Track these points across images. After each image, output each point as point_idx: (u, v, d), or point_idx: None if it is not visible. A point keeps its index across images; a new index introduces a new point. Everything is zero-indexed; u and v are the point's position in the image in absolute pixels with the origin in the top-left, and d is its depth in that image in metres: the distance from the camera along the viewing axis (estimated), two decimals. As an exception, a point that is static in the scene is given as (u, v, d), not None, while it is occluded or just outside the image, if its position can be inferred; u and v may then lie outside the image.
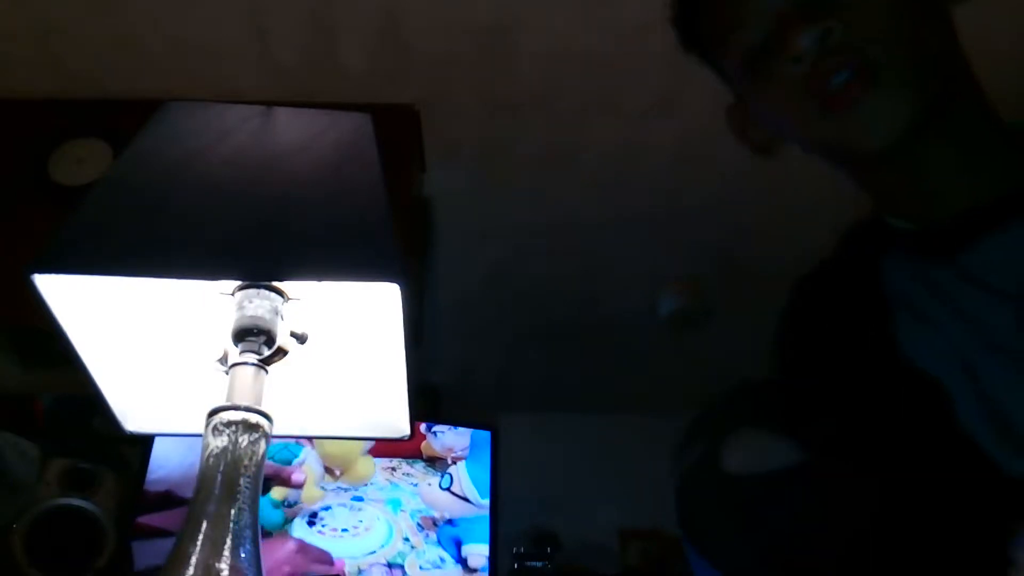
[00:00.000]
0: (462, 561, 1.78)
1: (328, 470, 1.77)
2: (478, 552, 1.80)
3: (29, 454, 1.61)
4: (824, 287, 0.74)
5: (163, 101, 0.76)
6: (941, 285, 0.62)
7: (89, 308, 0.67)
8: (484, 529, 1.83)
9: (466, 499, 1.83)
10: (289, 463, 1.74)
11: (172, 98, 0.78)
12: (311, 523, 1.69)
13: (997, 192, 0.62)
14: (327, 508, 1.73)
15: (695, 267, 2.42)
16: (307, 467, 1.75)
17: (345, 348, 0.74)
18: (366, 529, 1.72)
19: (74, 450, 1.63)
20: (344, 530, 1.70)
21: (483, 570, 1.77)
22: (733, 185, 2.12)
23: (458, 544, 1.79)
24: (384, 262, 0.64)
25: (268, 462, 0.68)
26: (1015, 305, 0.57)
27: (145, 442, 1.69)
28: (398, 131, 1.92)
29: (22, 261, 0.60)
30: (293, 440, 1.75)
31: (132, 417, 0.76)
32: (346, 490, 1.75)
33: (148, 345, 0.74)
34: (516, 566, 2.22)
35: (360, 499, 1.75)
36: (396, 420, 0.75)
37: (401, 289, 0.62)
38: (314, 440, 1.75)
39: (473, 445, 1.87)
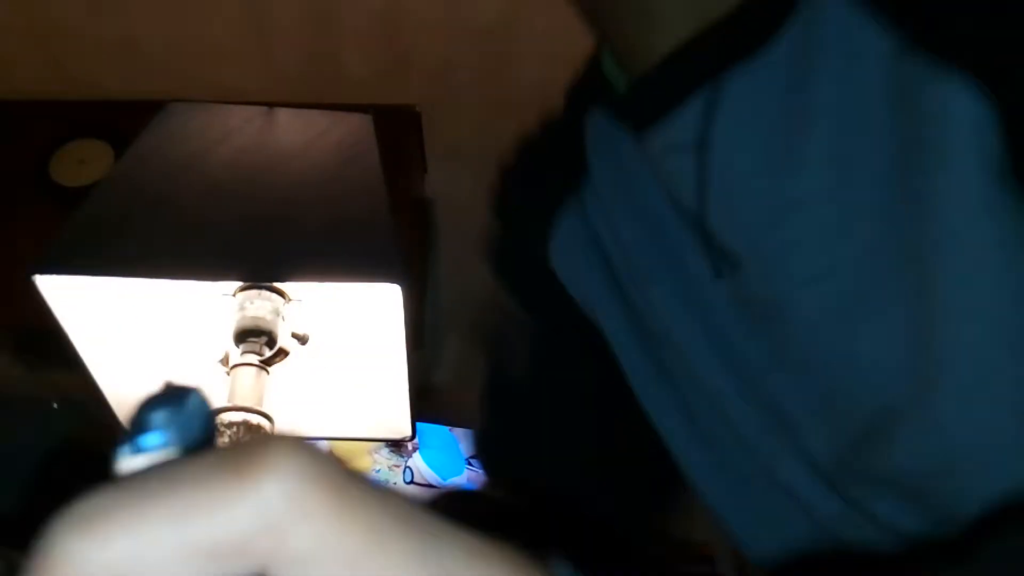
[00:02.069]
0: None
1: (332, 453, 1.80)
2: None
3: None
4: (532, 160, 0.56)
5: (165, 102, 0.76)
6: (626, 167, 0.45)
7: (91, 309, 0.67)
8: None
9: (430, 485, 1.85)
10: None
11: (173, 99, 0.78)
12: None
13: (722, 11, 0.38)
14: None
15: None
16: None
17: (346, 349, 0.74)
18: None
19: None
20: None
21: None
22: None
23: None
24: (385, 263, 0.64)
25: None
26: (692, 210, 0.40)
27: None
28: (399, 132, 1.92)
29: (23, 262, 0.60)
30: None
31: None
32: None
33: (149, 346, 0.74)
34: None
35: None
36: (398, 421, 0.75)
37: (402, 290, 0.62)
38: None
39: (420, 434, 1.90)
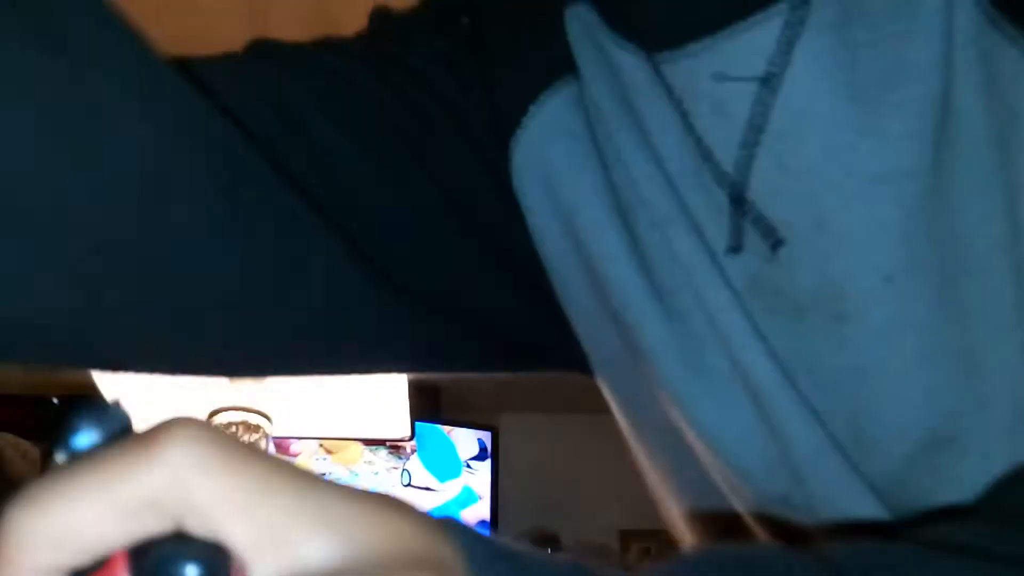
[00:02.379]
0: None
1: (323, 447, 1.80)
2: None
3: (30, 455, 1.61)
4: None
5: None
6: (628, 90, 0.34)
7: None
8: (456, 513, 1.84)
9: (428, 488, 1.85)
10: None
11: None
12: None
13: None
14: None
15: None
16: (304, 442, 1.78)
17: (345, 348, 0.74)
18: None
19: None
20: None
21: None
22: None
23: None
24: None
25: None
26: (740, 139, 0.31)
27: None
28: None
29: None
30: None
31: (132, 418, 0.76)
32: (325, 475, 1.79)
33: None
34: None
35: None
36: (396, 421, 0.76)
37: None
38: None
39: (418, 436, 1.90)
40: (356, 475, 1.80)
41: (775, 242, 0.31)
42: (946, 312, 0.29)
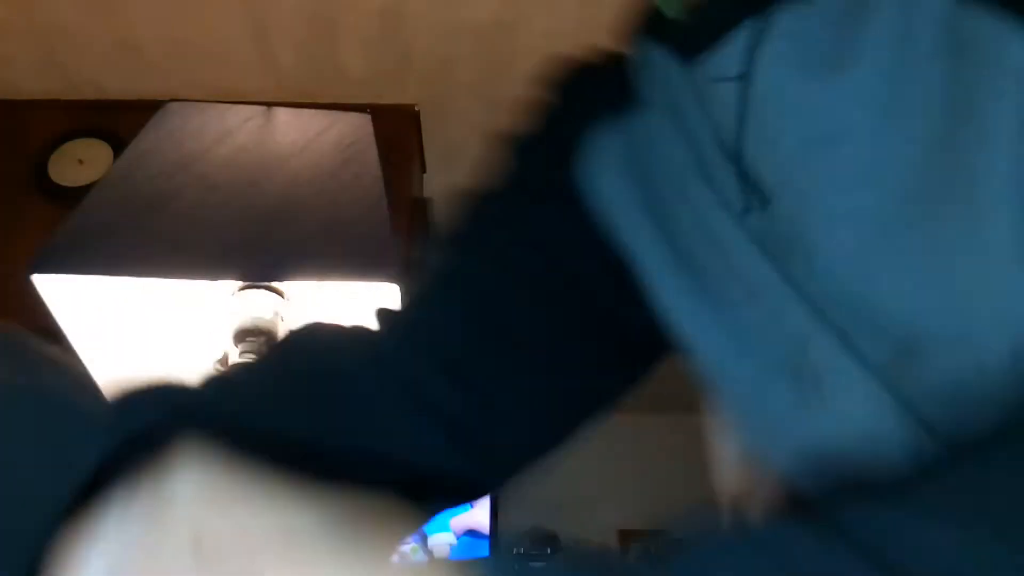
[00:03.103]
0: (427, 552, 1.84)
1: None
2: (444, 542, 1.86)
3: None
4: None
5: (164, 102, 0.76)
6: (675, 94, 0.45)
7: (89, 308, 0.67)
8: (443, 517, 1.87)
9: None
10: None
11: (173, 99, 0.78)
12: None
13: None
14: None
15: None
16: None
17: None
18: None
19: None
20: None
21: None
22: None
23: (423, 537, 1.83)
24: (384, 262, 0.64)
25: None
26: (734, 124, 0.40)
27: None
28: (398, 131, 1.92)
29: (22, 261, 0.60)
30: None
31: None
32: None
33: (148, 346, 0.74)
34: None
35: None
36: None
37: (401, 289, 0.62)
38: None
39: None
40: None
41: (764, 201, 0.40)
42: (903, 248, 0.35)
